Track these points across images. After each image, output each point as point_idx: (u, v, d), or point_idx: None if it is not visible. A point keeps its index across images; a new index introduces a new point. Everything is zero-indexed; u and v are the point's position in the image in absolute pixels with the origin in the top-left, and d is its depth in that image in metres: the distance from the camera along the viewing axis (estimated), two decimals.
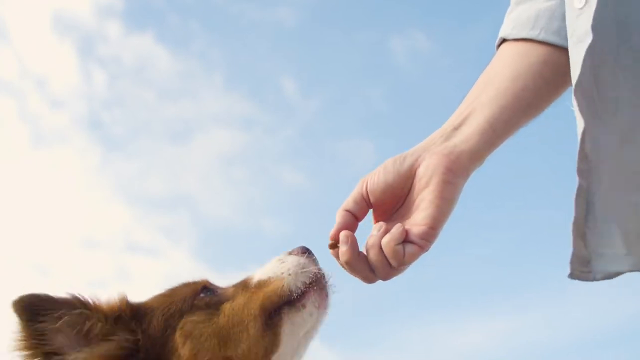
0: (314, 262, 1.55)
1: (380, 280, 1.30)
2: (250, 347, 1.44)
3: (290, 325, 1.49)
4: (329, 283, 1.53)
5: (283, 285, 1.50)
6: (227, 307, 1.51)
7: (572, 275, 1.20)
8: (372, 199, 1.30)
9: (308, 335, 1.54)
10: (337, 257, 1.29)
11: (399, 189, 1.28)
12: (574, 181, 1.18)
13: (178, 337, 1.45)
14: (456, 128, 1.29)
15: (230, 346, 1.45)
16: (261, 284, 1.54)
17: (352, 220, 1.31)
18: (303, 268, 1.52)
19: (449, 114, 1.39)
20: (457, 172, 1.23)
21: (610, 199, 1.12)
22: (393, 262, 1.24)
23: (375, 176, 1.30)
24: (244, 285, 1.58)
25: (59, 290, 1.43)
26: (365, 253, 1.28)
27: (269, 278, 1.54)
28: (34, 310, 1.36)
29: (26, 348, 1.35)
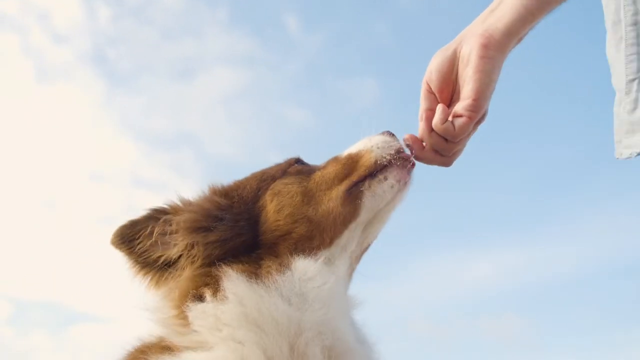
0: (397, 140, 1.66)
1: (452, 159, 1.51)
2: (330, 210, 1.55)
3: (371, 196, 1.58)
4: (413, 162, 1.63)
5: (370, 157, 1.62)
6: (317, 174, 1.66)
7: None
8: (433, 88, 1.48)
9: (388, 208, 1.63)
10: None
11: (448, 72, 1.45)
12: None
13: (268, 195, 1.61)
14: (492, 10, 1.42)
15: (312, 205, 1.57)
16: (351, 157, 1.67)
17: (432, 116, 1.47)
18: (389, 143, 1.64)
19: None
20: (491, 47, 1.36)
21: None
22: (449, 137, 1.42)
23: (430, 68, 1.48)
24: (335, 159, 1.70)
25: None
26: (421, 139, 1.50)
27: (359, 151, 1.66)
28: (128, 238, 1.54)
29: (139, 267, 1.53)
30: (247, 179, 1.70)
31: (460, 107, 1.39)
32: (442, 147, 1.46)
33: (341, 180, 1.60)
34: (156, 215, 1.57)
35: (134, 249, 1.53)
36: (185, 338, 1.31)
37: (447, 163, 1.53)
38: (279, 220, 1.54)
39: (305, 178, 1.64)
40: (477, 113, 1.38)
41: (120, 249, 1.54)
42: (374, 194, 1.58)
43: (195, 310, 1.33)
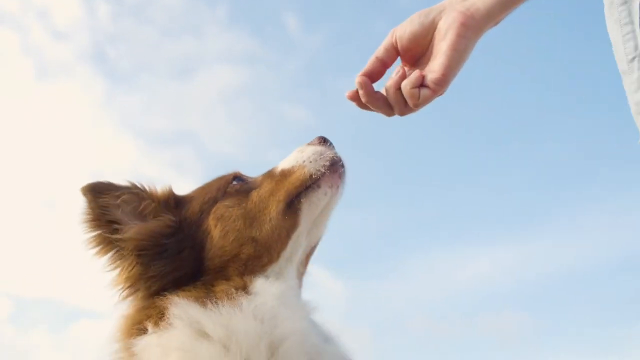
0: (331, 148, 1.73)
1: (398, 115, 1.51)
2: (272, 227, 1.59)
3: (308, 205, 1.64)
4: (343, 165, 1.70)
5: (304, 172, 1.67)
6: (254, 194, 1.68)
7: None
8: (399, 46, 1.48)
9: (325, 212, 1.69)
10: (358, 101, 1.50)
11: (422, 38, 1.45)
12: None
13: (211, 220, 1.62)
14: None
15: (255, 227, 1.60)
16: (285, 173, 1.71)
17: (380, 66, 1.50)
18: (321, 155, 1.70)
19: None
20: (470, 27, 1.38)
21: None
22: (410, 102, 1.44)
23: (403, 27, 1.48)
24: (270, 175, 1.74)
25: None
26: (385, 93, 1.49)
27: (292, 167, 1.71)
28: (98, 190, 1.61)
29: (92, 218, 1.59)
30: (191, 197, 1.73)
31: (429, 79, 1.40)
32: (400, 106, 1.49)
33: (277, 196, 1.65)
34: (132, 189, 1.65)
35: (97, 201, 1.59)
36: None
37: (390, 115, 1.54)
38: (225, 245, 1.57)
39: (244, 199, 1.67)
40: (442, 88, 1.41)
41: (85, 195, 1.61)
42: (310, 203, 1.64)
43: (140, 345, 1.33)
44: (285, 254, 1.59)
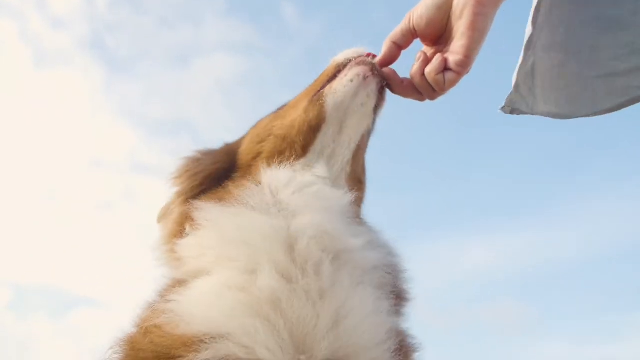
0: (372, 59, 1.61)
1: (429, 100, 1.52)
2: (294, 120, 1.57)
3: (332, 95, 1.55)
4: (375, 65, 1.58)
5: (333, 64, 1.63)
6: (291, 99, 1.70)
7: (503, 110, 1.63)
8: (418, 30, 1.49)
9: (356, 103, 1.55)
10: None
11: (438, 20, 1.45)
12: None
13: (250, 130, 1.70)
14: None
15: (278, 122, 1.61)
16: (320, 74, 1.68)
17: (396, 50, 1.54)
18: (357, 52, 1.63)
19: None
20: (486, 3, 1.37)
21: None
22: (436, 88, 1.45)
23: (418, 10, 1.48)
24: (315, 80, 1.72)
25: None
26: (411, 79, 1.51)
27: (326, 67, 1.67)
28: (194, 160, 1.66)
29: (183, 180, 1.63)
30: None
31: (452, 61, 1.41)
32: (428, 92, 1.49)
33: (307, 93, 1.64)
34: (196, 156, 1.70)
35: (190, 166, 1.64)
36: (182, 271, 1.37)
37: (421, 100, 1.55)
38: (251, 141, 1.62)
39: (281, 107, 1.70)
40: (466, 68, 1.41)
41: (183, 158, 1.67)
42: (335, 91, 1.54)
43: (181, 245, 1.40)
44: (316, 148, 1.54)
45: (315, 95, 1.58)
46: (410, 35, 1.52)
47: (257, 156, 1.56)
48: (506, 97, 1.66)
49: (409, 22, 1.50)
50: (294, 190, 1.39)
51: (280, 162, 1.49)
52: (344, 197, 1.44)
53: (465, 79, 1.45)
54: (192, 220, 1.42)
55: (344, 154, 1.57)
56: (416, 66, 1.49)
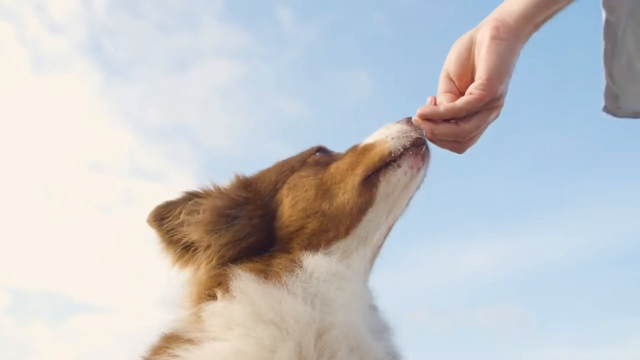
0: (416, 129, 1.62)
1: (468, 145, 1.49)
2: (345, 202, 1.55)
3: (385, 184, 1.57)
4: (427, 147, 1.62)
5: (384, 147, 1.61)
6: (333, 166, 1.65)
7: (605, 109, 1.47)
8: (452, 75, 1.49)
9: (404, 195, 1.62)
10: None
11: (466, 59, 1.46)
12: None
13: (285, 189, 1.62)
14: None
15: (326, 199, 1.57)
16: (367, 148, 1.66)
17: (447, 101, 1.48)
18: (405, 133, 1.62)
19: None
20: (502, 29, 1.39)
21: (636, 34, 1.31)
22: (450, 116, 1.43)
23: (449, 55, 1.50)
24: (353, 149, 1.70)
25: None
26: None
27: (375, 142, 1.65)
28: (160, 217, 1.62)
29: (165, 245, 1.61)
30: (268, 170, 1.72)
31: (472, 86, 1.40)
32: (452, 133, 1.46)
33: (355, 170, 1.60)
34: (188, 198, 1.64)
35: (163, 227, 1.61)
36: (202, 334, 1.35)
37: (459, 149, 1.52)
38: (292, 215, 1.55)
39: (322, 170, 1.64)
40: (487, 92, 1.38)
41: (152, 226, 1.63)
42: (388, 181, 1.57)
43: (208, 310, 1.37)
44: (358, 232, 1.54)
45: (367, 178, 1.58)
46: (450, 82, 1.51)
47: (299, 230, 1.53)
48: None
49: (444, 70, 1.52)
50: (335, 286, 1.40)
51: (322, 241, 1.50)
52: (373, 296, 1.56)
53: None
54: (225, 286, 1.40)
55: (378, 239, 1.61)
56: (426, 127, 1.49)
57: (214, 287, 1.42)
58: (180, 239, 1.59)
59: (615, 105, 1.44)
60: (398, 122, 1.68)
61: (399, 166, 1.59)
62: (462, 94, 1.47)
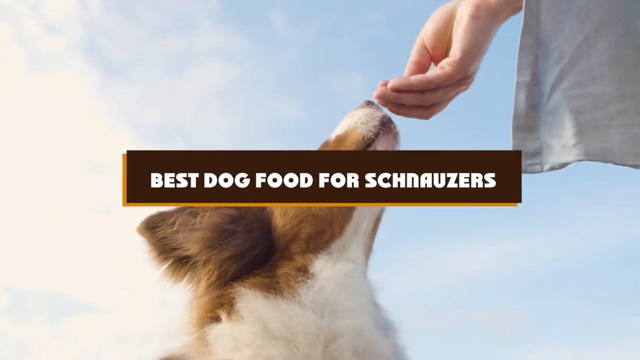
0: (379, 109, 1.66)
1: (432, 114, 1.47)
2: None
3: None
4: (394, 124, 1.64)
5: (357, 134, 1.62)
6: None
7: (523, 171, 1.36)
8: (427, 45, 1.49)
9: None
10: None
11: (443, 30, 1.46)
12: None
13: None
14: None
15: None
16: (339, 139, 1.66)
17: (419, 69, 1.50)
18: (371, 115, 1.64)
19: None
20: (483, 8, 1.36)
21: (565, 92, 1.25)
22: (419, 88, 1.39)
23: (427, 24, 1.49)
24: (325, 146, 1.69)
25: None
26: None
27: (345, 132, 1.66)
28: (152, 225, 1.56)
29: (156, 255, 1.55)
30: None
31: (444, 60, 1.40)
32: (418, 100, 1.43)
33: None
34: (183, 208, 1.60)
35: (155, 235, 1.56)
36: (210, 357, 1.33)
37: (425, 116, 1.50)
38: (286, 224, 1.53)
39: None
40: (458, 70, 1.37)
41: (143, 234, 1.57)
42: None
43: (213, 333, 1.35)
44: (351, 227, 1.54)
45: None
46: (425, 52, 1.51)
47: (295, 237, 1.51)
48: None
49: (420, 38, 1.51)
50: (342, 287, 1.39)
51: (320, 243, 1.49)
52: (375, 286, 1.56)
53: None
54: (229, 307, 1.37)
55: (367, 229, 1.60)
56: (393, 97, 1.43)
57: (216, 309, 1.39)
58: (173, 250, 1.55)
59: (533, 162, 1.30)
60: (359, 107, 1.70)
61: (375, 149, 1.60)
62: (435, 62, 1.49)
